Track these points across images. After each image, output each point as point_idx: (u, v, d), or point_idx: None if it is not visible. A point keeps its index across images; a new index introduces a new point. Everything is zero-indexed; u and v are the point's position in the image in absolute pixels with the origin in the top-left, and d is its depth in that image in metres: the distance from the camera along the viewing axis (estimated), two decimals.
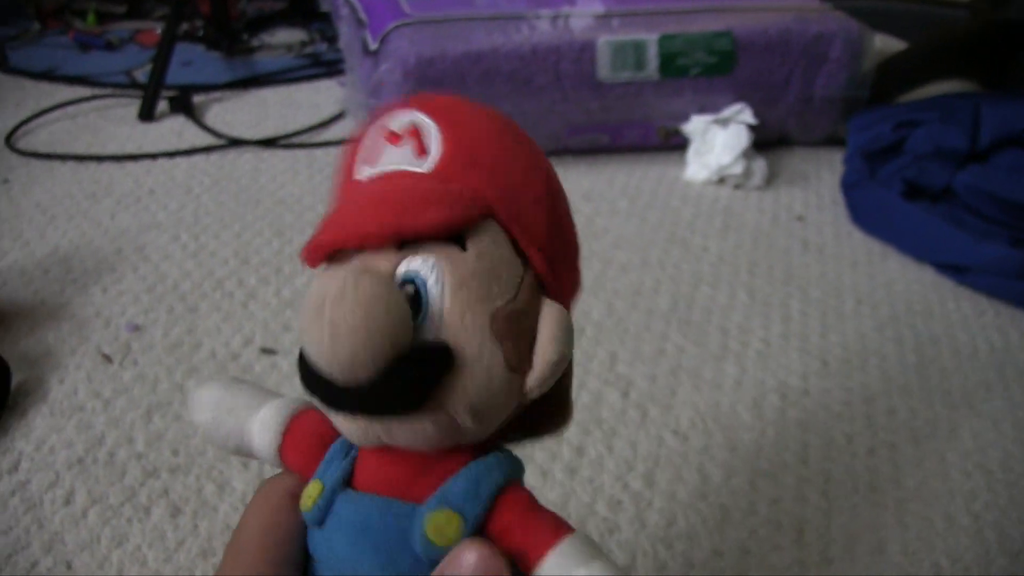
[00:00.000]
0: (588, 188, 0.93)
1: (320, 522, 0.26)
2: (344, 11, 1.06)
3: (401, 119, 0.26)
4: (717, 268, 0.79)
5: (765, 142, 1.01)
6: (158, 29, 1.40)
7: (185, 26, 1.36)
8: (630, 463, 0.55)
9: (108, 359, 0.63)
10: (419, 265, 0.23)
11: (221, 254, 0.77)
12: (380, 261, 0.24)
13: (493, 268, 0.24)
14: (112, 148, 0.99)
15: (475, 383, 0.23)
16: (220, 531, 0.49)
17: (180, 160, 0.96)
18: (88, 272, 0.74)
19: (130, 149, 0.99)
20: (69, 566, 0.47)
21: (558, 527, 0.25)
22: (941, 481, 0.56)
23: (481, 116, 0.26)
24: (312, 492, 0.26)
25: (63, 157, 0.95)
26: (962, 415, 0.62)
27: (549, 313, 0.25)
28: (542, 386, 0.25)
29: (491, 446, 0.26)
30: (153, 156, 0.97)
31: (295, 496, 0.27)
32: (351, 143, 0.27)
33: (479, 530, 0.24)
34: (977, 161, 0.79)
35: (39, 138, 1.01)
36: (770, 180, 0.97)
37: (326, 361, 0.22)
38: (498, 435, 0.26)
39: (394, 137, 0.26)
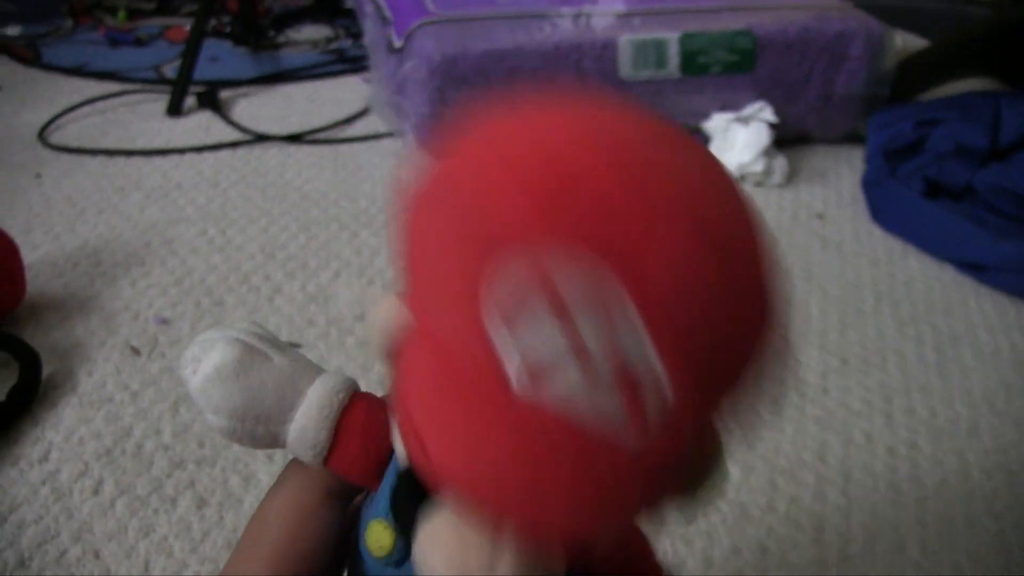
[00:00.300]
0: None
1: (398, 565, 0.23)
2: (368, 8, 1.07)
3: (584, 297, 0.15)
4: None
5: (785, 140, 1.00)
6: (186, 25, 1.41)
7: (212, 22, 1.37)
8: None
9: (136, 352, 0.64)
10: None
11: (247, 248, 0.79)
12: None
13: None
14: (141, 143, 1.00)
15: None
16: (245, 523, 0.50)
17: (207, 155, 0.98)
18: (117, 265, 0.75)
19: (158, 144, 1.00)
20: (97, 555, 0.48)
21: None
22: (961, 480, 0.56)
23: (709, 285, 0.16)
24: (384, 542, 0.23)
25: (93, 152, 0.97)
26: (983, 415, 0.62)
27: None
28: None
29: None
30: (181, 151, 0.98)
31: (333, 495, 0.24)
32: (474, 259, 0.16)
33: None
34: (998, 159, 0.79)
35: (70, 133, 1.03)
36: (790, 178, 0.97)
37: None
38: None
39: (584, 354, 0.15)
